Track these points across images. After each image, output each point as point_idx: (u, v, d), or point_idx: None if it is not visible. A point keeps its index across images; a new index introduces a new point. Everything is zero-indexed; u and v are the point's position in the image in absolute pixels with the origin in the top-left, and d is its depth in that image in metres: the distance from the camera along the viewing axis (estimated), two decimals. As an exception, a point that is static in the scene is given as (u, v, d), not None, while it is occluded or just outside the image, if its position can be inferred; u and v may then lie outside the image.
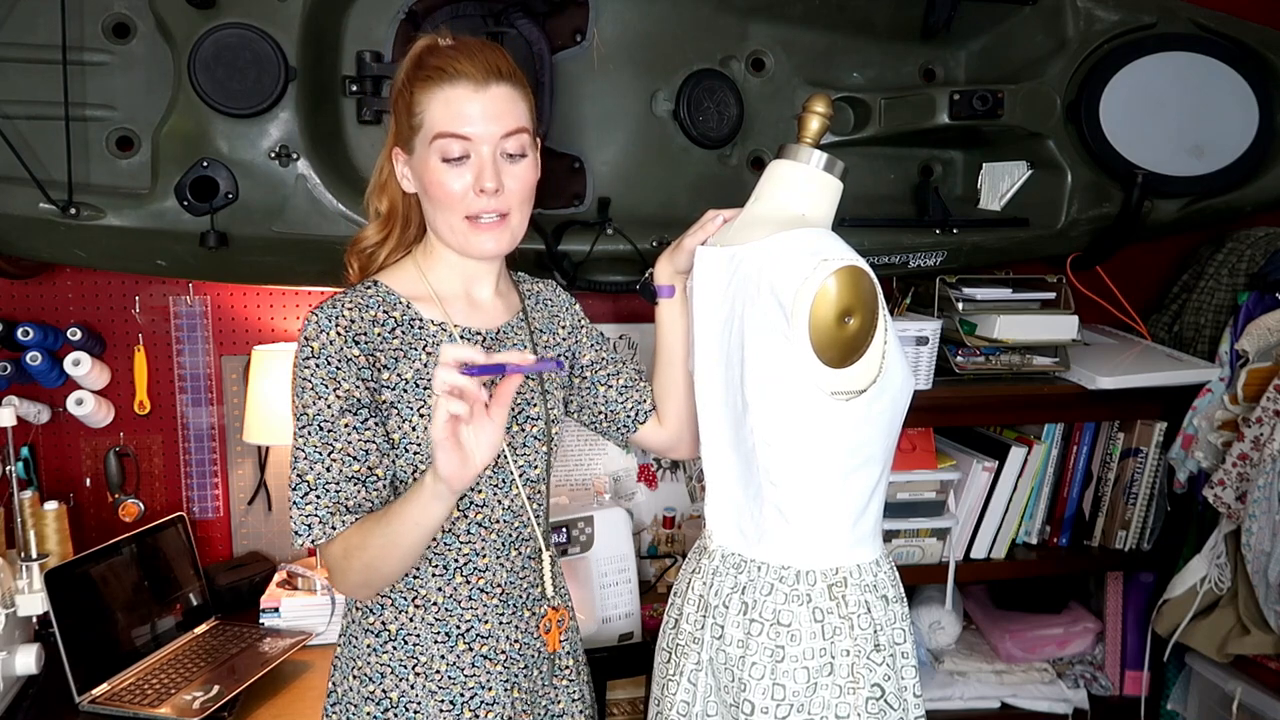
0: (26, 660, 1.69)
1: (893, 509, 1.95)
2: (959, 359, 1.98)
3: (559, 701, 1.38)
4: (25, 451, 1.99)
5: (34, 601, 1.70)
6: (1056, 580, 2.25)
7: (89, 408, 1.98)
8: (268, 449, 2.14)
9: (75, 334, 1.96)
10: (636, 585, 2.05)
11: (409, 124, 1.23)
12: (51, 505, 1.91)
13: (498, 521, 1.28)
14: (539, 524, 1.33)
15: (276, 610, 1.95)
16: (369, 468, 1.19)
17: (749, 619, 1.25)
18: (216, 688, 1.70)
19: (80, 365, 1.94)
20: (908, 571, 1.89)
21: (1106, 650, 2.23)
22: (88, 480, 2.08)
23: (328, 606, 1.93)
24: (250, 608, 1.99)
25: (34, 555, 1.76)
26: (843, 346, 1.15)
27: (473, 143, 1.20)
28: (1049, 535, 2.14)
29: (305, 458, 1.18)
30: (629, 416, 1.45)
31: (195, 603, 1.99)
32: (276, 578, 2.04)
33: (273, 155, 1.63)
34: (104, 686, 1.71)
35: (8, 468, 1.86)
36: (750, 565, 1.27)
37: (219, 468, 2.15)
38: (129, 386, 2.09)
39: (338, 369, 1.19)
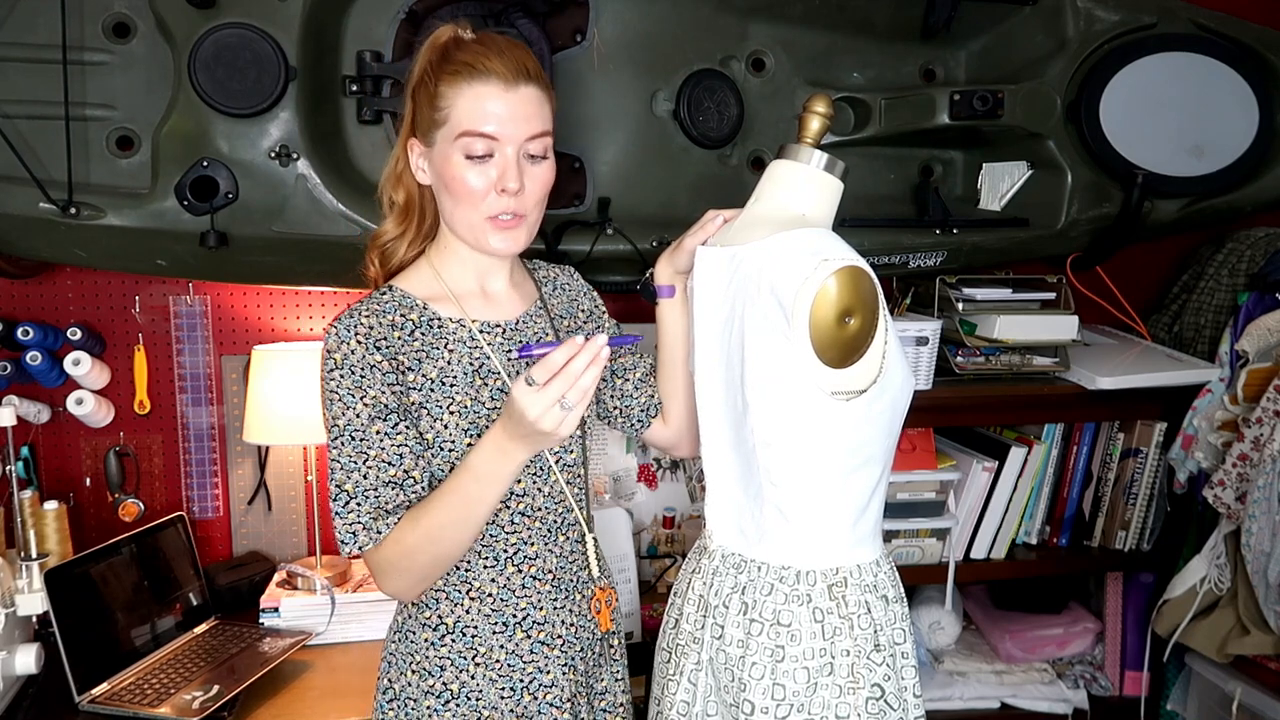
0: (26, 660, 1.69)
1: (893, 509, 1.95)
2: (959, 359, 1.98)
3: (602, 679, 1.40)
4: (25, 451, 1.99)
5: (34, 601, 1.71)
6: (1056, 580, 2.25)
7: (89, 407, 1.98)
8: (267, 449, 2.14)
9: (75, 334, 1.96)
10: (636, 585, 2.05)
11: (431, 116, 1.22)
12: (51, 505, 1.91)
13: (540, 509, 1.29)
14: (580, 508, 1.34)
15: (276, 610, 1.95)
16: (404, 471, 1.20)
17: (749, 619, 1.25)
18: (216, 687, 1.70)
19: (80, 365, 1.94)
20: (908, 571, 1.89)
21: (1106, 650, 2.23)
22: (88, 480, 2.08)
23: (327, 606, 1.93)
24: (250, 607, 1.99)
25: (34, 555, 1.76)
26: (843, 347, 1.15)
27: (499, 143, 1.20)
28: (1049, 535, 2.14)
29: (342, 468, 1.19)
30: (643, 411, 1.45)
31: (195, 602, 1.99)
32: (276, 577, 2.04)
33: (273, 155, 1.63)
34: (104, 686, 1.71)
35: (8, 467, 1.86)
36: (750, 565, 1.27)
37: (219, 467, 2.15)
38: (129, 386, 2.09)
39: (362, 377, 1.19)
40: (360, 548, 1.19)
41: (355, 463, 1.18)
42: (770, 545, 1.26)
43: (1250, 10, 2.15)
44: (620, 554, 2.05)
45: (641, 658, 1.89)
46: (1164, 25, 2.04)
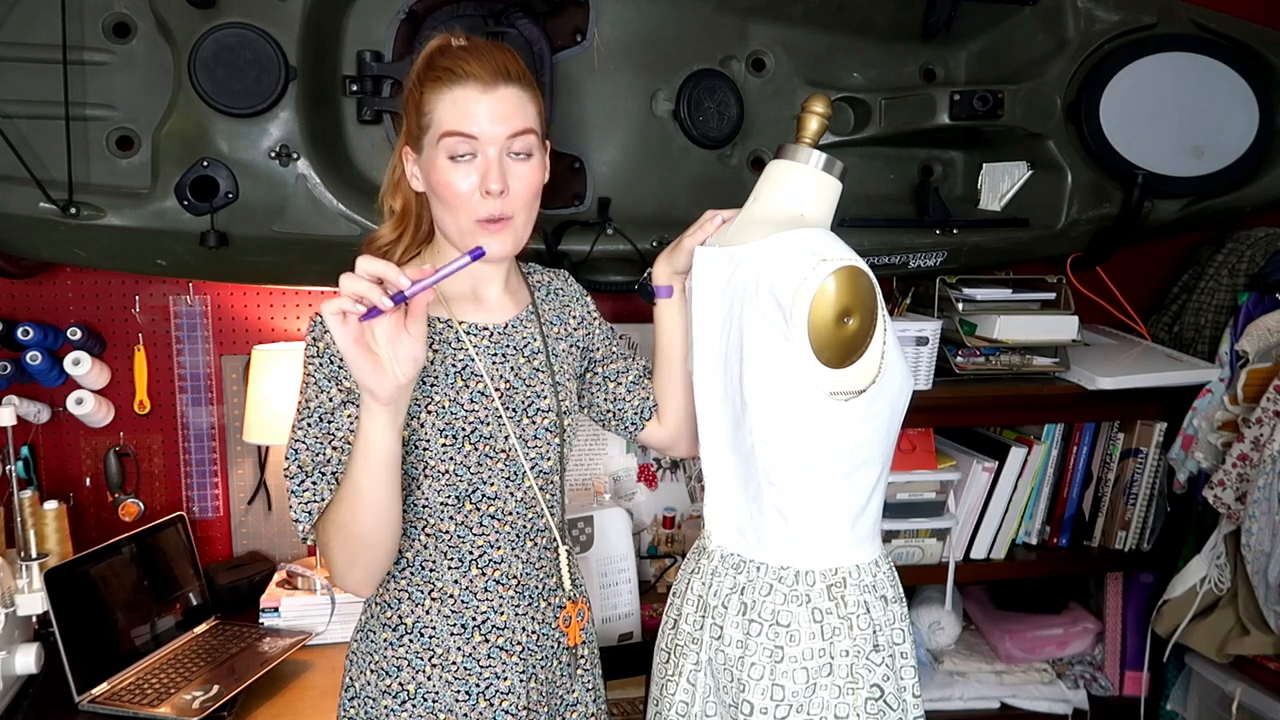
0: (26, 660, 1.69)
1: (893, 509, 1.95)
2: (959, 359, 1.98)
3: (574, 691, 1.39)
4: (25, 451, 1.99)
5: (34, 601, 1.71)
6: (1056, 580, 2.25)
7: (89, 407, 1.98)
8: (267, 449, 2.14)
9: (75, 334, 1.96)
10: (636, 585, 2.05)
11: (418, 123, 1.24)
12: (51, 505, 1.91)
13: (511, 514, 1.29)
14: (553, 516, 1.33)
15: (276, 610, 1.95)
16: None
17: (748, 619, 1.25)
18: (216, 687, 1.70)
19: (80, 365, 1.94)
20: (907, 572, 1.89)
21: (1106, 650, 2.23)
22: (88, 480, 2.09)
23: (327, 606, 1.93)
24: (250, 607, 1.99)
25: (34, 555, 1.76)
26: (841, 347, 1.15)
27: (479, 142, 1.20)
28: (1049, 535, 2.14)
29: (306, 449, 1.19)
30: (636, 414, 1.45)
31: (195, 602, 1.99)
32: (276, 577, 2.04)
33: (273, 155, 1.63)
34: (104, 686, 1.71)
35: (8, 467, 1.86)
36: (749, 565, 1.27)
37: (219, 467, 2.15)
38: (129, 386, 2.09)
39: (340, 368, 1.20)
40: (314, 526, 1.19)
41: (321, 444, 1.19)
42: (769, 545, 1.26)
43: (1250, 10, 2.15)
44: (620, 554, 2.05)
45: (641, 658, 1.89)
46: (1164, 25, 2.04)
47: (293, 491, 1.19)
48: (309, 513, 1.18)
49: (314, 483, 1.18)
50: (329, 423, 1.19)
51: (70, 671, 1.67)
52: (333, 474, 1.18)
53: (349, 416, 1.19)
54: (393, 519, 1.16)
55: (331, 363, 1.20)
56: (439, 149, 1.21)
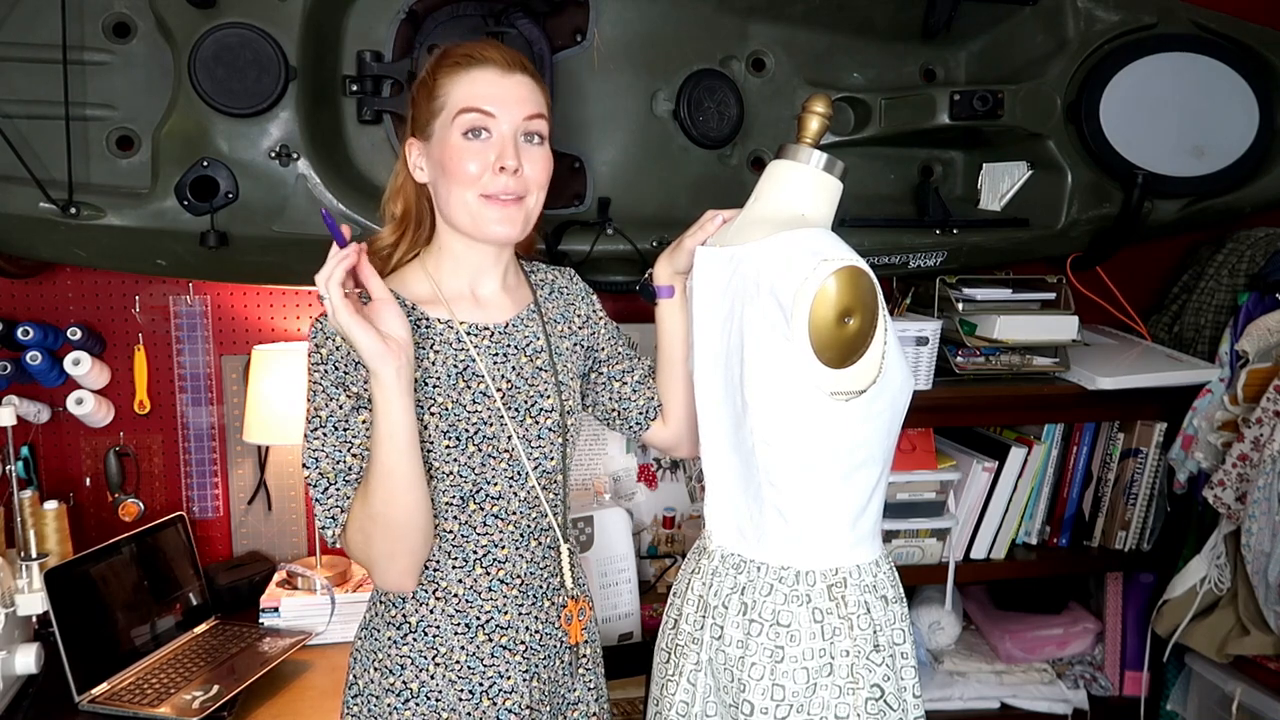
0: (26, 660, 1.69)
1: (893, 509, 1.95)
2: (959, 359, 1.98)
3: (575, 690, 1.39)
4: (25, 451, 1.99)
5: (34, 601, 1.71)
6: (1056, 580, 2.25)
7: (89, 407, 1.98)
8: (268, 449, 2.14)
9: (75, 333, 1.96)
10: (636, 585, 2.05)
11: (429, 108, 1.25)
12: (51, 505, 1.91)
13: (514, 513, 1.29)
14: (556, 516, 1.33)
15: (276, 610, 1.95)
16: None
17: (748, 619, 1.25)
18: (216, 687, 1.70)
19: (80, 365, 1.94)
20: (908, 572, 1.89)
21: (1106, 651, 2.23)
22: (88, 480, 2.08)
23: (327, 606, 1.93)
24: (250, 607, 1.99)
25: (34, 555, 1.76)
26: (842, 347, 1.15)
27: (495, 120, 1.23)
28: (1049, 536, 2.14)
29: (326, 456, 1.20)
30: (640, 413, 1.45)
31: (195, 602, 1.99)
32: (276, 577, 2.04)
33: (273, 155, 1.63)
34: (104, 686, 1.71)
35: (8, 467, 1.86)
36: (750, 566, 1.27)
37: (219, 467, 2.15)
38: (129, 386, 2.09)
39: (345, 374, 1.21)
40: (343, 529, 1.20)
41: (340, 452, 1.20)
42: (769, 545, 1.26)
43: (1250, 10, 2.15)
44: (620, 554, 2.05)
45: (641, 658, 1.89)
46: (1164, 25, 2.04)
47: (317, 500, 1.21)
48: (333, 518, 1.20)
49: (338, 489, 1.20)
50: (344, 430, 1.20)
51: (70, 671, 1.67)
52: (356, 480, 1.20)
53: (363, 422, 1.20)
54: (425, 501, 1.19)
55: (337, 369, 1.21)
56: (453, 127, 1.22)
